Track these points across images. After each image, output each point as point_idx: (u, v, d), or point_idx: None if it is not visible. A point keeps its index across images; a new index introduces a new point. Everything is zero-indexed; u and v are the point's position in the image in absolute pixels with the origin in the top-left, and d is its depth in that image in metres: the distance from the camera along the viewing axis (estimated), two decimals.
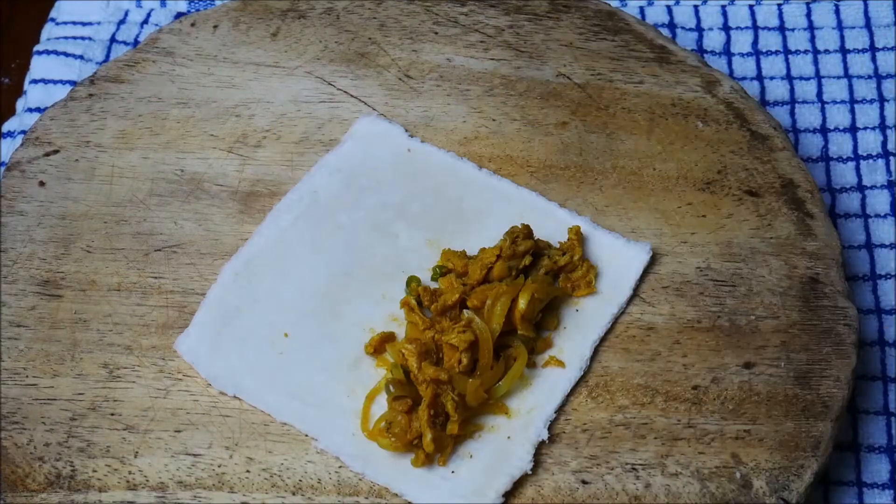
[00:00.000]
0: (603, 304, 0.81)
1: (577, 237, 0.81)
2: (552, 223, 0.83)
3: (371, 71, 0.91)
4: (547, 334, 0.80)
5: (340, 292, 0.81)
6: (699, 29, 1.02)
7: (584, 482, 0.75)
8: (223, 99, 0.89)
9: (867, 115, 0.97)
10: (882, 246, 0.92)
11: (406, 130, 0.87)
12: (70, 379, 0.78)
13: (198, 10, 0.98)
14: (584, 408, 0.77)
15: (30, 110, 0.98)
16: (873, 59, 1.00)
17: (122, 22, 1.02)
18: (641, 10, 1.03)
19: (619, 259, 0.82)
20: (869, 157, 0.96)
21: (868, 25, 1.02)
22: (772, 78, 1.00)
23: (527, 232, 0.80)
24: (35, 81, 0.99)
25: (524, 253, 0.79)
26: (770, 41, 1.02)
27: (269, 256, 0.82)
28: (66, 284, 0.82)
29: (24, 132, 0.95)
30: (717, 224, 0.84)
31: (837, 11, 1.02)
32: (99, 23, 1.02)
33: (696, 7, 1.03)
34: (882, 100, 0.98)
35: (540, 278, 0.79)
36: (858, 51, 1.00)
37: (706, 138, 0.87)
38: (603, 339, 0.80)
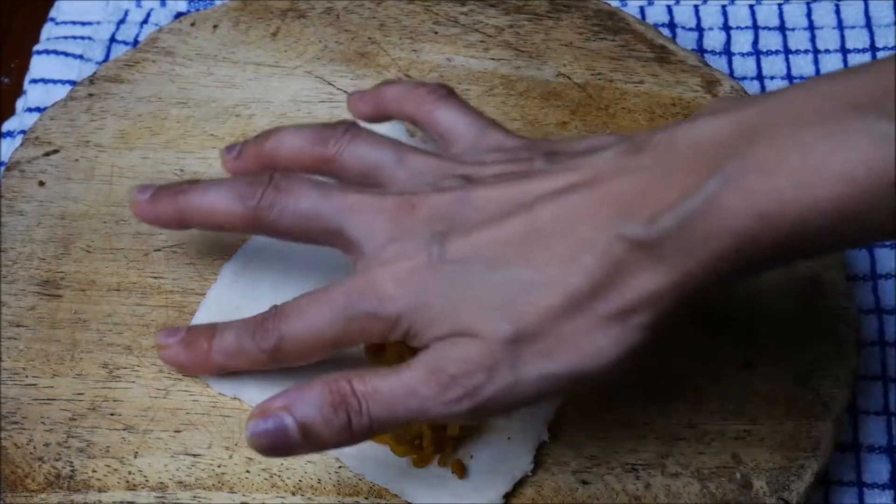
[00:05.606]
0: None
1: None
2: None
3: (371, 71, 0.91)
4: None
5: None
6: (699, 29, 1.02)
7: (584, 482, 0.75)
8: (223, 99, 0.89)
9: None
10: (882, 245, 0.91)
11: (406, 130, 0.87)
12: (70, 379, 0.78)
13: (198, 10, 0.98)
14: (585, 408, 0.77)
15: (30, 110, 0.98)
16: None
17: (121, 22, 1.02)
18: (641, 9, 1.03)
19: None
20: None
21: (868, 25, 1.01)
22: (772, 78, 1.00)
23: None
24: (35, 81, 0.99)
25: None
26: (770, 41, 1.01)
27: (269, 256, 0.82)
28: (66, 284, 0.82)
29: (23, 132, 0.94)
30: None
31: (838, 11, 1.02)
32: (99, 22, 1.02)
33: (696, 7, 1.03)
34: None
35: None
36: (859, 51, 1.00)
37: None
38: None
